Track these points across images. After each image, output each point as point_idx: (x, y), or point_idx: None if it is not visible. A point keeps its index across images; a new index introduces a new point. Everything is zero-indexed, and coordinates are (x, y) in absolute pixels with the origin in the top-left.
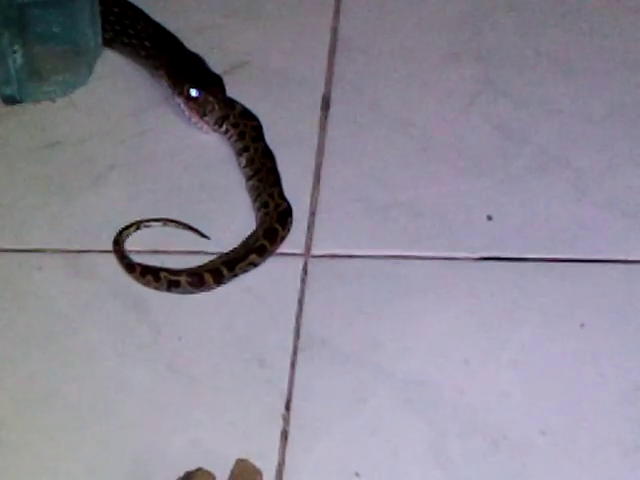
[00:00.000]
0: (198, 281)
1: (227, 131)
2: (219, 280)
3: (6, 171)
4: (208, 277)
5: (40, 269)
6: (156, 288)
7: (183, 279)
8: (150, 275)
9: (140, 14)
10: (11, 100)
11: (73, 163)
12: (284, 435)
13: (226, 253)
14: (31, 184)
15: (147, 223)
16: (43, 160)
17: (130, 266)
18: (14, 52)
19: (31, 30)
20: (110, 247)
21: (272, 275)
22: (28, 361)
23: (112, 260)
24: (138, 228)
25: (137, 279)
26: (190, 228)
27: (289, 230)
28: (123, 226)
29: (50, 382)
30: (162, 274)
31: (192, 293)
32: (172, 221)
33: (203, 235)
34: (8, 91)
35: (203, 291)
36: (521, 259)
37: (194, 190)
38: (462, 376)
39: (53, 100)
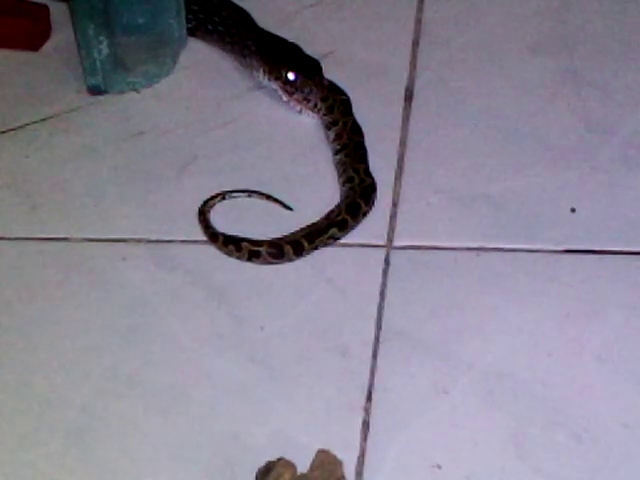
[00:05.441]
0: (278, 252)
1: (316, 105)
2: (299, 252)
3: (91, 161)
4: (288, 249)
5: (124, 259)
6: (237, 258)
7: (264, 250)
8: (232, 245)
9: (225, 1)
10: (96, 90)
11: (157, 153)
12: (365, 426)
13: (307, 226)
14: (115, 174)
15: (232, 194)
16: (127, 150)
17: (214, 235)
18: (100, 43)
19: (117, 21)
20: (194, 237)
21: (354, 266)
22: (111, 350)
23: (195, 250)
24: (223, 198)
25: (220, 248)
26: (274, 199)
27: (372, 206)
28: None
29: (133, 371)
30: (244, 244)
31: (272, 264)
32: (256, 192)
33: (286, 206)
34: (93, 81)
35: (283, 262)
36: (605, 252)
37: (278, 175)
38: (544, 369)
39: (138, 90)
